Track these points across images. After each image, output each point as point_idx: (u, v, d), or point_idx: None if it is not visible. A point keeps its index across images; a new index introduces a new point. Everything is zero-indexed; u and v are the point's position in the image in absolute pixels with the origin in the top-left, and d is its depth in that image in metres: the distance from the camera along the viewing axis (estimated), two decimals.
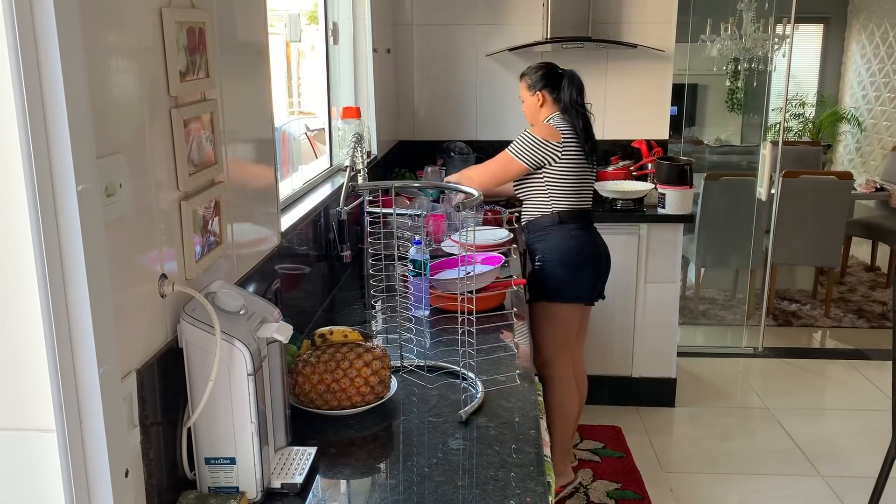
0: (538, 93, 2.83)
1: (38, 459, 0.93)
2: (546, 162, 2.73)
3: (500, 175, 2.83)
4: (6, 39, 0.81)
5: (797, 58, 7.53)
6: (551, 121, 2.79)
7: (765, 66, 5.82)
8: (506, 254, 2.62)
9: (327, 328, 1.66)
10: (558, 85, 2.81)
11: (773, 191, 4.69)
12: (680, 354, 3.78)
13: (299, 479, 1.34)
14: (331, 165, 3.00)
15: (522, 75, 2.89)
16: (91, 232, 0.90)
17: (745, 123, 7.72)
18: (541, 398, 2.02)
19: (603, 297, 3.00)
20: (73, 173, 0.87)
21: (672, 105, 4.21)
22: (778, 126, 5.60)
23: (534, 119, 2.87)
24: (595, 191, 3.75)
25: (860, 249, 6.46)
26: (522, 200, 2.89)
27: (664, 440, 3.50)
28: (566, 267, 2.79)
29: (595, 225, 2.91)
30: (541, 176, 2.77)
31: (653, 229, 3.57)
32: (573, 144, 2.75)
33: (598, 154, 2.88)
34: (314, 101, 3.21)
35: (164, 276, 1.19)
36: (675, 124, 5.20)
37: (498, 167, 2.82)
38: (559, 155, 2.73)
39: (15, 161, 0.84)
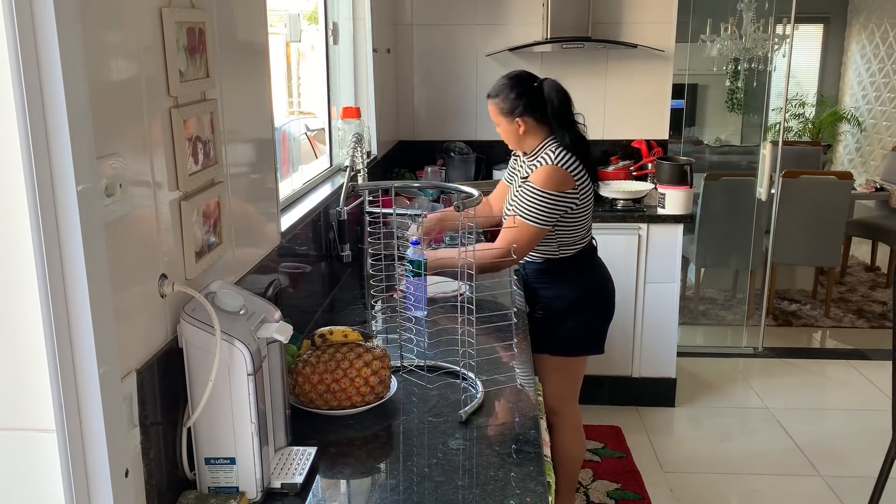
0: (517, 120, 2.35)
1: (38, 459, 0.93)
2: (563, 213, 2.33)
3: (529, 246, 2.34)
4: (6, 39, 0.81)
5: (797, 58, 7.53)
6: (555, 157, 2.32)
7: (765, 66, 5.82)
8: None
9: (327, 328, 1.66)
10: (541, 104, 2.35)
11: (773, 191, 4.69)
12: (680, 354, 3.78)
13: (299, 479, 1.34)
14: (331, 165, 3.01)
15: (491, 96, 2.40)
16: (91, 232, 0.90)
17: (745, 123, 7.71)
18: (541, 398, 2.02)
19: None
20: (73, 173, 0.87)
21: (678, 99, 4.20)
22: (778, 126, 5.60)
23: (517, 146, 2.43)
24: (596, 192, 3.77)
25: (860, 249, 6.46)
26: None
27: (664, 440, 3.50)
28: (577, 319, 2.48)
29: (596, 235, 2.57)
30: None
31: (653, 229, 3.57)
32: (585, 182, 2.35)
33: (597, 175, 2.50)
34: (314, 101, 3.21)
35: (164, 276, 1.19)
36: (679, 121, 5.20)
37: (524, 239, 2.31)
38: (578, 202, 2.33)
39: (15, 161, 0.84)
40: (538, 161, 2.37)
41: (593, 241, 2.55)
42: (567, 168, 2.31)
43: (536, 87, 2.36)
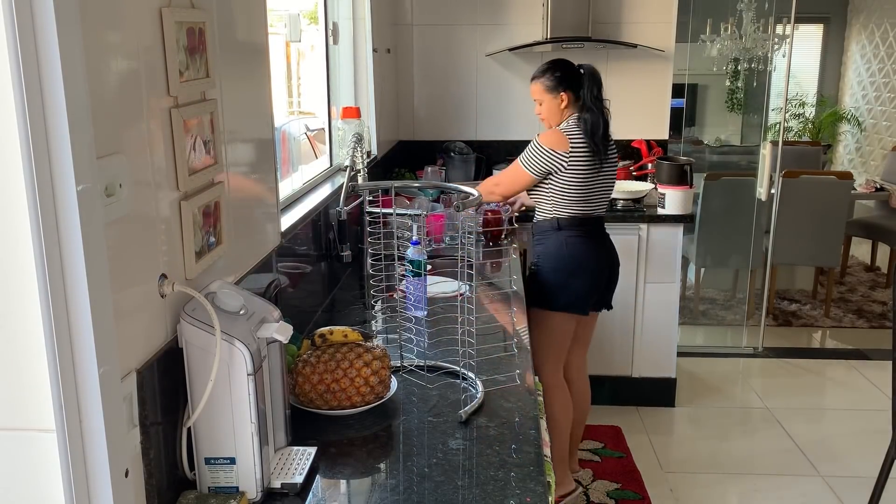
0: (562, 94, 2.67)
1: (38, 459, 0.93)
2: (552, 171, 2.63)
3: (511, 185, 2.77)
4: (6, 39, 0.81)
5: (797, 58, 7.53)
6: (564, 125, 2.66)
7: (765, 66, 5.82)
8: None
9: (327, 328, 1.66)
10: (580, 83, 2.67)
11: (773, 191, 4.69)
12: (680, 354, 3.78)
13: (299, 479, 1.34)
14: (331, 165, 3.01)
15: (536, 77, 2.73)
16: (91, 232, 0.90)
17: (745, 123, 7.71)
18: (541, 398, 2.02)
19: (609, 307, 2.91)
20: (73, 173, 0.87)
21: (679, 97, 4.19)
22: (778, 126, 5.60)
23: (556, 121, 2.72)
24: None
25: (860, 249, 6.46)
26: (534, 201, 2.82)
27: (664, 440, 3.50)
28: (557, 274, 2.71)
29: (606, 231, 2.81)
30: (546, 181, 2.67)
31: (653, 229, 3.57)
32: (583, 151, 2.61)
33: (612, 151, 2.72)
34: (314, 101, 3.21)
35: (164, 276, 1.19)
36: (679, 120, 5.20)
37: (509, 177, 2.76)
38: (565, 164, 2.61)
39: (15, 161, 0.84)
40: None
41: (599, 221, 2.76)
42: (568, 135, 2.62)
43: (577, 70, 2.70)
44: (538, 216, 2.76)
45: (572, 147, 2.60)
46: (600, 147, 2.63)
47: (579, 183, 2.64)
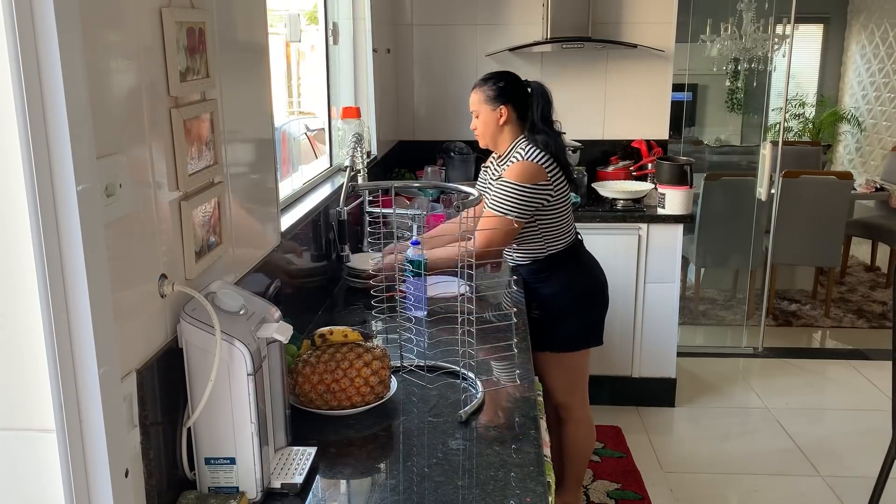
0: (501, 108, 2.42)
1: (38, 459, 0.93)
2: (538, 207, 2.38)
3: (505, 239, 2.37)
4: (6, 39, 0.81)
5: (797, 58, 7.53)
6: (525, 153, 2.38)
7: (765, 66, 5.83)
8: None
9: (327, 328, 1.66)
10: (524, 100, 2.44)
11: (773, 191, 4.68)
12: (680, 354, 3.78)
13: (299, 479, 1.34)
14: (331, 165, 3.01)
15: (477, 85, 2.49)
16: (91, 232, 0.90)
17: (745, 123, 7.72)
18: (541, 398, 2.02)
19: None
20: (73, 173, 0.87)
21: (686, 92, 4.17)
22: (778, 126, 5.60)
23: (492, 141, 2.48)
24: (595, 192, 3.79)
25: (860, 249, 6.46)
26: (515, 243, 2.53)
27: (664, 440, 3.50)
28: (573, 313, 2.51)
29: (589, 234, 2.65)
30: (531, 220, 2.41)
31: (653, 229, 3.57)
32: (559, 175, 2.40)
33: (573, 175, 2.52)
34: (314, 101, 3.22)
35: (164, 276, 1.19)
36: (684, 114, 5.19)
37: (497, 234, 2.34)
38: (553, 195, 2.39)
39: (15, 161, 0.84)
40: (510, 161, 2.44)
41: (578, 236, 2.59)
42: (538, 162, 2.37)
43: (524, 84, 2.46)
44: (523, 259, 2.51)
45: (550, 174, 2.38)
46: (569, 167, 2.45)
47: (565, 210, 2.46)
